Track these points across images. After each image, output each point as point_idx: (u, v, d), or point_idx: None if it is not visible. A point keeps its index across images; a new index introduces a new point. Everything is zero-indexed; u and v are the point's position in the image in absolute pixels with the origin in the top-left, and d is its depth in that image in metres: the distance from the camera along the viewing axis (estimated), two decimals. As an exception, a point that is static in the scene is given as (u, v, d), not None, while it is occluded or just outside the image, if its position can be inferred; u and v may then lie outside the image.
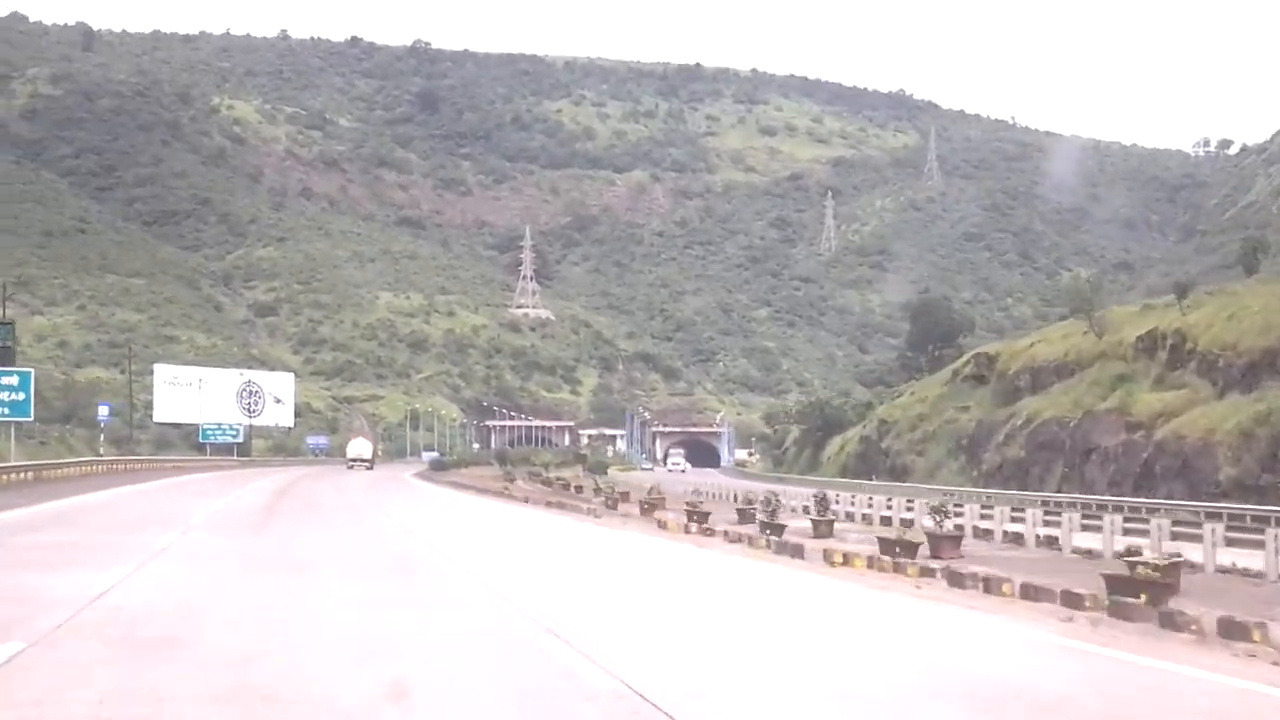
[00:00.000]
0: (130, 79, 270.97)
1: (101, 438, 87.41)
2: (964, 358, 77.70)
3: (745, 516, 40.96)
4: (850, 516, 45.66)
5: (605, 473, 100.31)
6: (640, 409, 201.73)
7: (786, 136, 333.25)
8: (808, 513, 41.05)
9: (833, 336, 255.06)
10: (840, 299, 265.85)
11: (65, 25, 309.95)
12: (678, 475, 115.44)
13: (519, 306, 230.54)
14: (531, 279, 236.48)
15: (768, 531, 31.76)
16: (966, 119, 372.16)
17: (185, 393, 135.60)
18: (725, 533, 31.75)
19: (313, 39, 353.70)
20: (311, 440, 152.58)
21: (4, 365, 59.52)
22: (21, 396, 59.25)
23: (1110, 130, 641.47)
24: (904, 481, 64.85)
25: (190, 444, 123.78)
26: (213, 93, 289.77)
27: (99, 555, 21.89)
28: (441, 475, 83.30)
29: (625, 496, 50.62)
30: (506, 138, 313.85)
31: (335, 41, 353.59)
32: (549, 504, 47.26)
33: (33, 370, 65.36)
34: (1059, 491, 45.78)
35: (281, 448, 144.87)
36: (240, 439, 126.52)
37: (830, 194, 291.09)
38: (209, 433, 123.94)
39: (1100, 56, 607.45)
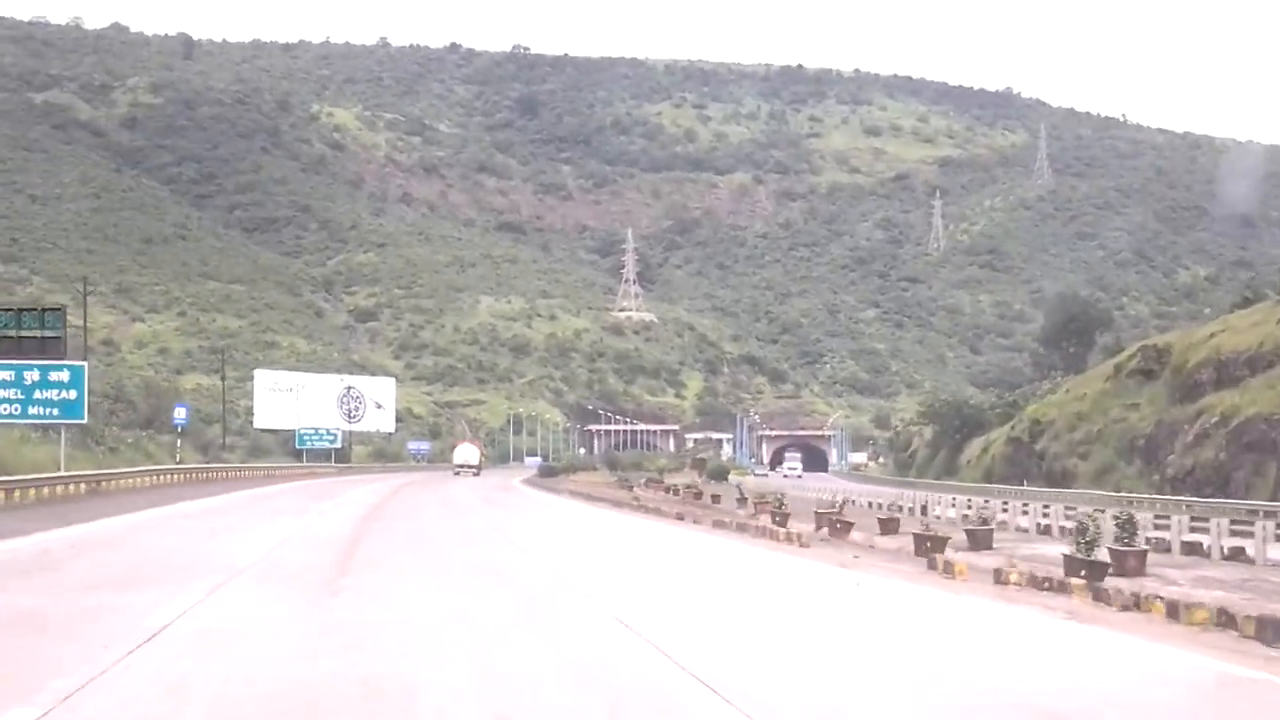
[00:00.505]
0: (230, 87, 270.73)
1: (179, 443, 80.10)
2: (1128, 351, 71.10)
3: (888, 527, 35.85)
4: (1009, 526, 39.94)
5: (726, 478, 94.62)
6: (749, 412, 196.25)
7: (892, 137, 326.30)
8: (967, 521, 35.54)
9: (943, 337, 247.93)
10: (950, 299, 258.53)
11: (166, 36, 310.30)
12: (794, 480, 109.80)
13: (621, 309, 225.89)
14: (634, 282, 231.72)
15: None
16: (1076, 117, 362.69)
17: (285, 399, 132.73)
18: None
19: (412, 45, 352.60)
20: (413, 446, 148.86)
21: (54, 358, 49.04)
22: (74, 395, 49.20)
23: (1225, 127, 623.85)
24: (1066, 487, 58.84)
25: (287, 450, 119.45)
26: (312, 100, 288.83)
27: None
28: (553, 482, 78.41)
29: (776, 508, 39.79)
30: (607, 141, 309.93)
31: (434, 48, 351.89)
32: (716, 524, 37.76)
33: (85, 364, 54.19)
34: (1275, 499, 39.60)
35: (382, 453, 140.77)
36: (338, 444, 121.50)
37: (938, 194, 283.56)
38: (305, 438, 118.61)
39: (1210, 52, 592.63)
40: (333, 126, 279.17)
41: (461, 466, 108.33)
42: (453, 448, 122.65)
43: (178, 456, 75.38)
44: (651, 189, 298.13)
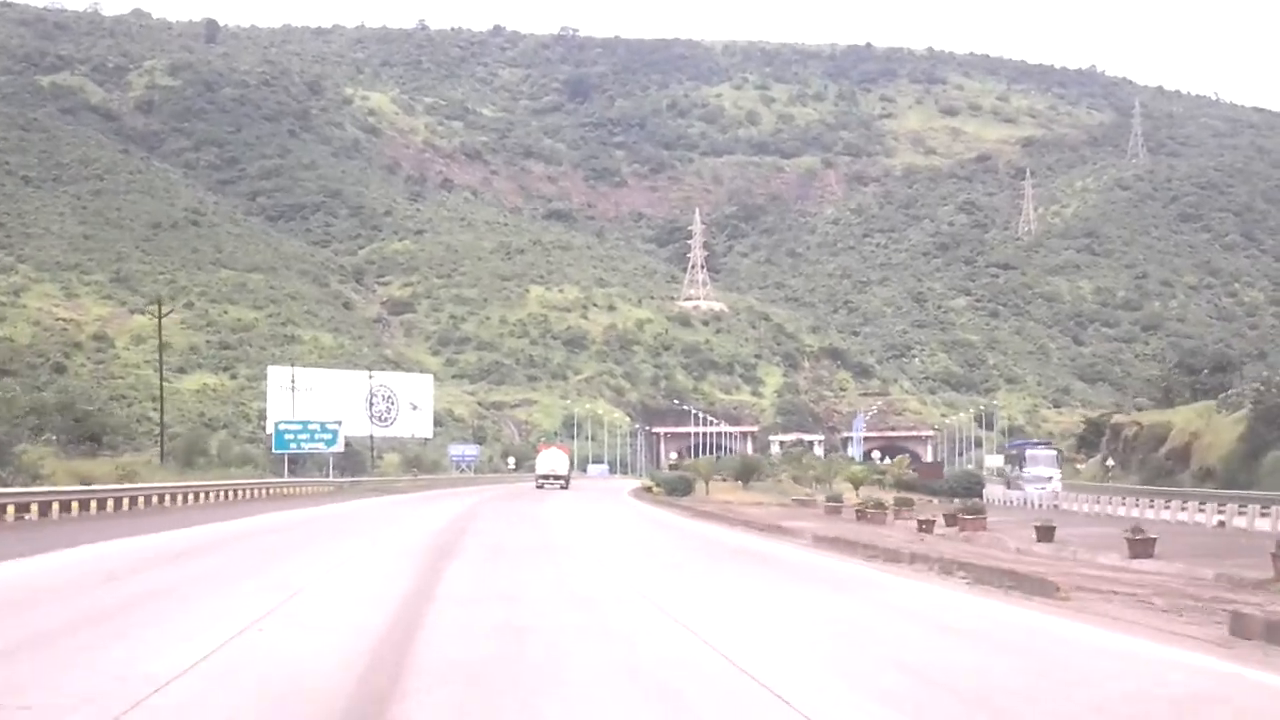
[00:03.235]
0: (256, 69, 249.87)
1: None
2: None
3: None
4: None
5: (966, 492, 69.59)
6: (862, 411, 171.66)
7: (970, 116, 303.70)
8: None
9: (1042, 327, 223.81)
10: (1046, 286, 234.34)
11: (189, 21, 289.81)
12: (1047, 493, 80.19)
13: (688, 298, 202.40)
14: (702, 268, 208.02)
15: None
16: (1166, 95, 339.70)
17: (304, 399, 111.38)
18: None
19: (453, 29, 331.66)
20: (455, 452, 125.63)
21: None
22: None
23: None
24: None
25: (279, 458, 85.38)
26: (345, 84, 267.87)
27: None
28: (696, 502, 52.62)
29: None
30: (663, 125, 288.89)
31: (477, 31, 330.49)
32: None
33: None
34: None
35: (416, 462, 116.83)
36: (338, 446, 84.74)
37: (1029, 174, 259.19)
38: (288, 438, 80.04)
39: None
40: (367, 110, 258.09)
41: (547, 478, 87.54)
42: (535, 453, 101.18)
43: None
44: (712, 174, 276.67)
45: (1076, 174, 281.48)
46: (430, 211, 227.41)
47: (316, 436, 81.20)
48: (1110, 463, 70.42)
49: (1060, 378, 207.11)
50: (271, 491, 60.10)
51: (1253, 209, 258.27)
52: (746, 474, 76.28)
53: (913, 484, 67.10)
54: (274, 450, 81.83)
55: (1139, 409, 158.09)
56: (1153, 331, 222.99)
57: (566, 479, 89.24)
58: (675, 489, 61.16)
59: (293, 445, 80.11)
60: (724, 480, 76.24)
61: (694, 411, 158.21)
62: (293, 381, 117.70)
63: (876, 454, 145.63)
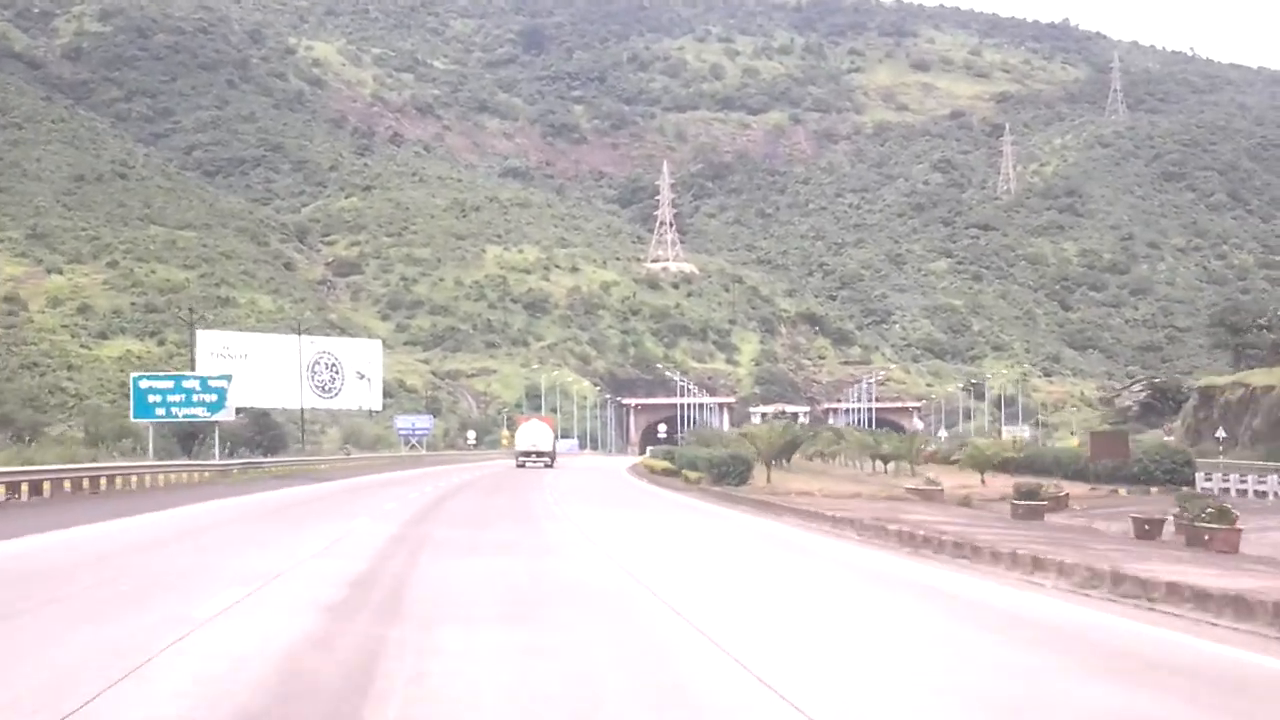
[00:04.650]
0: (192, 15, 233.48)
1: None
2: None
3: None
4: None
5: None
6: (864, 379, 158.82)
7: (942, 71, 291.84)
8: None
9: (1028, 291, 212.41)
10: (1029, 248, 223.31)
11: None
12: None
13: (656, 260, 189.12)
14: (671, 226, 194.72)
15: None
16: (1141, 50, 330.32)
17: (236, 368, 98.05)
18: None
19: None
20: (403, 424, 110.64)
21: None
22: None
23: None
24: None
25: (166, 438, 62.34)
26: (288, 33, 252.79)
27: None
28: (771, 497, 36.25)
29: None
30: (623, 79, 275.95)
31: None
32: None
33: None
34: None
35: (355, 438, 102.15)
36: (226, 412, 58.87)
37: (1008, 130, 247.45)
38: (153, 402, 56.14)
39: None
40: (312, 61, 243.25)
41: (529, 455, 76.49)
42: (515, 426, 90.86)
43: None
44: (676, 131, 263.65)
45: (1054, 131, 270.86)
46: (379, 167, 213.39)
47: (195, 399, 56.37)
48: (1221, 433, 57.51)
49: (1049, 344, 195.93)
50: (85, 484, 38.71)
51: (1237, 168, 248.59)
52: (789, 450, 54.23)
53: (1024, 464, 51.72)
54: (133, 418, 58.69)
55: (1186, 373, 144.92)
56: (1142, 296, 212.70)
57: (551, 455, 77.99)
58: (726, 473, 43.22)
59: (159, 411, 56.25)
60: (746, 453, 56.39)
61: (678, 378, 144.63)
62: (225, 348, 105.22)
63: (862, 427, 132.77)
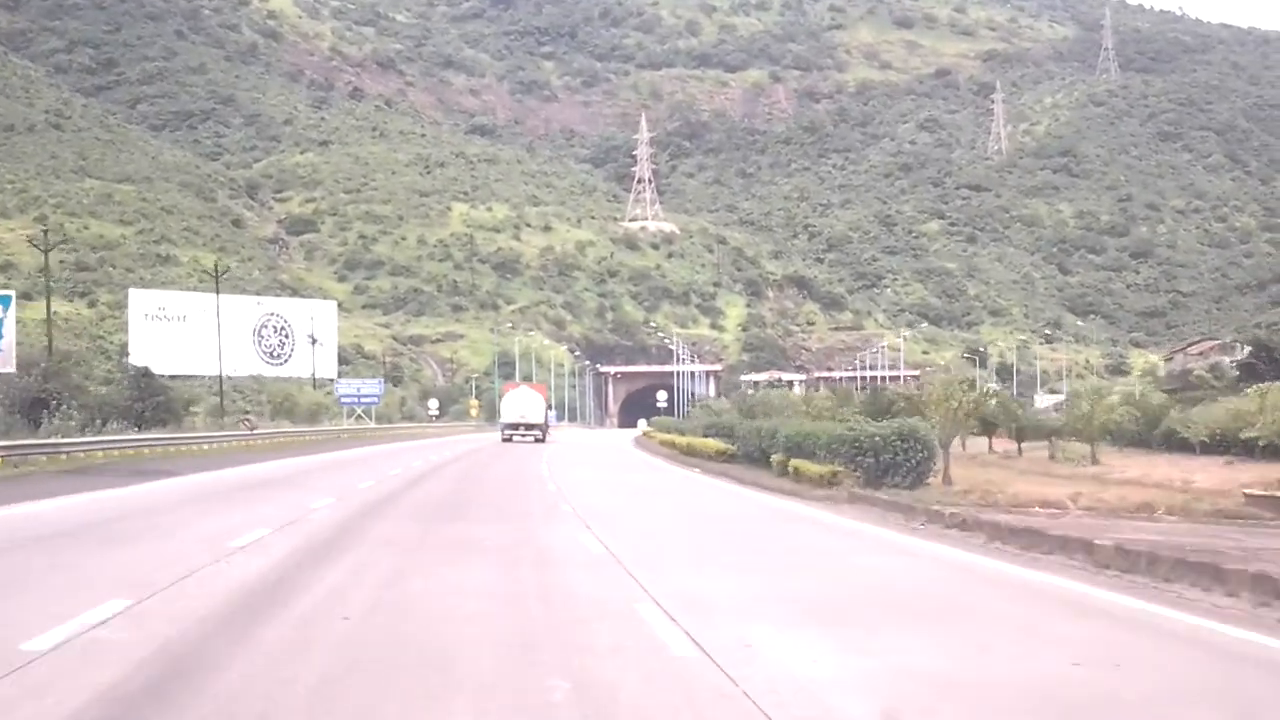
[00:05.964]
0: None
1: None
2: None
3: None
4: None
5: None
6: (880, 348, 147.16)
7: (926, 29, 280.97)
8: None
9: (1024, 254, 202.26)
10: (1024, 209, 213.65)
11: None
12: None
13: (634, 219, 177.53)
14: (650, 183, 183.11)
15: None
16: (1129, 9, 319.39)
17: (173, 330, 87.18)
18: None
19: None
20: (346, 391, 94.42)
21: None
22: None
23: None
24: None
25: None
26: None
27: None
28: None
29: None
30: (595, 34, 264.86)
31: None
32: None
33: None
34: None
35: (287, 409, 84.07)
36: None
37: (999, 88, 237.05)
38: None
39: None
40: (266, 13, 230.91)
41: (516, 427, 67.54)
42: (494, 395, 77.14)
43: None
44: (651, 88, 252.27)
45: (1044, 90, 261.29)
46: (337, 120, 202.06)
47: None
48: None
49: (1049, 309, 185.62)
50: None
51: (1234, 128, 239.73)
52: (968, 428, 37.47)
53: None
54: None
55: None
56: (1143, 259, 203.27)
57: (543, 429, 68.27)
58: (890, 467, 25.83)
59: None
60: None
61: (670, 342, 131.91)
62: (160, 309, 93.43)
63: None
